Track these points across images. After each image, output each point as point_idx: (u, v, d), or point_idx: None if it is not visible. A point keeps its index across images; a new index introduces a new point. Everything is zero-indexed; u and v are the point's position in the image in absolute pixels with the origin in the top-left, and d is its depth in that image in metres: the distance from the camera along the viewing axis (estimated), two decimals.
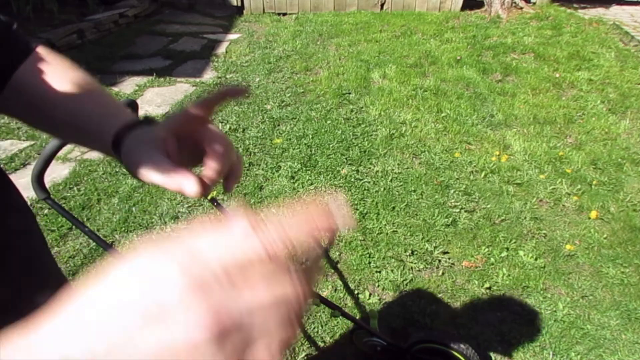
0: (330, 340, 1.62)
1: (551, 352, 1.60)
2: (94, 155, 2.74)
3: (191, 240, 0.22)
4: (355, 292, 1.83)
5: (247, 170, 2.59)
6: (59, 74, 0.52)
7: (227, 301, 0.21)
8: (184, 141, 0.43)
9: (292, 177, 2.51)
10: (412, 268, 1.94)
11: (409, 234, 2.12)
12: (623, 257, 2.01)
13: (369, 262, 1.95)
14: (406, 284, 1.85)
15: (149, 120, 0.48)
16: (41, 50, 0.52)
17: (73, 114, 0.49)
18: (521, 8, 5.36)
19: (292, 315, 0.25)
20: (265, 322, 0.23)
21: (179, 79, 3.83)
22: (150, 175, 0.41)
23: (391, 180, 2.49)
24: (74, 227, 2.10)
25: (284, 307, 0.24)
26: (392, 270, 1.91)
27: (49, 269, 0.53)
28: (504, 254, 2.01)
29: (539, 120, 3.15)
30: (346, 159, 2.67)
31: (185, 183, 0.39)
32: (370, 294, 1.81)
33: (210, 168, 0.42)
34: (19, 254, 0.46)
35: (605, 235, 2.14)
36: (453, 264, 1.97)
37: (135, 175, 0.44)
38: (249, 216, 0.24)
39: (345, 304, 1.78)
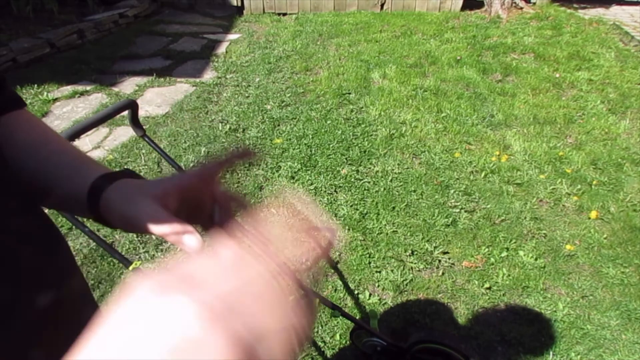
0: (330, 340, 1.62)
1: (551, 352, 1.60)
2: (94, 155, 2.74)
3: (192, 272, 0.24)
4: (355, 292, 1.83)
5: (247, 170, 2.59)
6: (43, 128, 0.52)
7: (242, 328, 0.23)
8: (185, 201, 0.43)
9: (292, 177, 2.51)
10: (412, 268, 1.94)
11: (409, 234, 2.12)
12: (623, 257, 2.01)
13: (369, 262, 1.95)
14: (406, 284, 1.85)
15: (130, 173, 0.47)
16: (27, 110, 0.53)
17: (44, 162, 0.48)
18: (521, 8, 5.36)
19: (294, 343, 0.26)
20: (271, 349, 0.24)
21: (179, 79, 3.84)
22: (146, 225, 0.40)
23: (391, 180, 2.49)
24: (74, 227, 2.10)
25: (288, 335, 0.25)
26: (392, 270, 1.91)
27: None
28: (504, 254, 2.01)
29: (539, 120, 3.15)
30: (346, 159, 2.67)
31: (186, 236, 0.38)
32: (370, 294, 1.81)
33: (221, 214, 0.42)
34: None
35: (605, 235, 2.14)
36: (453, 264, 1.97)
37: (119, 226, 0.43)
38: (233, 242, 0.25)
39: (345, 304, 1.78)
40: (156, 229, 0.39)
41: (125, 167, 2.59)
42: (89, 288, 0.59)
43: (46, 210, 0.56)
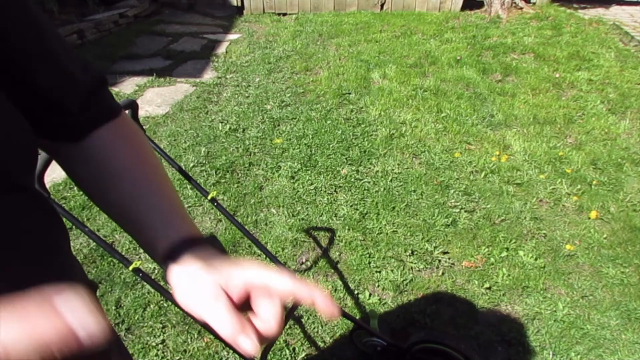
0: (330, 340, 1.62)
1: (551, 352, 1.60)
2: None
3: None
4: (355, 292, 1.83)
5: (247, 170, 2.59)
6: (134, 152, 0.51)
7: None
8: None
9: (292, 177, 2.51)
10: (412, 268, 1.94)
11: (409, 234, 2.12)
12: (623, 257, 2.01)
13: (369, 262, 1.95)
14: (406, 284, 1.85)
15: (212, 240, 0.47)
16: (124, 118, 0.52)
17: (132, 199, 0.48)
18: (521, 8, 5.36)
19: None
20: None
21: (179, 79, 3.84)
22: (202, 311, 0.38)
23: (391, 180, 2.49)
24: (74, 227, 2.10)
25: None
26: (392, 270, 1.91)
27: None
28: (504, 254, 2.01)
29: (539, 120, 3.15)
30: (346, 159, 2.67)
31: (242, 338, 0.35)
32: (370, 294, 1.81)
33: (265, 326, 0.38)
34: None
35: (605, 235, 2.14)
36: (453, 264, 1.97)
37: (175, 299, 0.42)
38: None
39: (345, 304, 1.78)
40: (212, 319, 0.37)
41: None
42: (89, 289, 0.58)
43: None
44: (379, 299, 1.79)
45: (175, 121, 3.14)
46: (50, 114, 0.47)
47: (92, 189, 0.52)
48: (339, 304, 1.75)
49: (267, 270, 0.39)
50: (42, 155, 0.86)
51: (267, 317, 0.38)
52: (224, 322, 0.36)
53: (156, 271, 1.90)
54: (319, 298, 0.37)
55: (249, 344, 0.35)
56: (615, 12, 5.69)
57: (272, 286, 0.38)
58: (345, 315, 1.30)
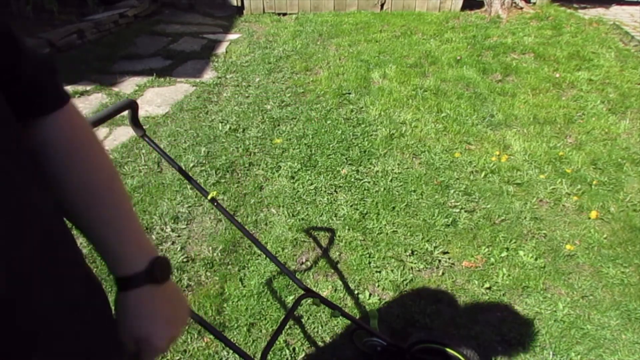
0: (330, 340, 1.62)
1: (551, 352, 1.60)
2: None
3: None
4: (355, 292, 1.83)
5: (247, 170, 2.59)
6: (86, 158, 0.55)
7: None
8: None
9: (292, 177, 2.51)
10: (412, 268, 1.94)
11: (409, 234, 2.12)
12: (623, 257, 2.01)
13: (369, 262, 1.95)
14: (406, 284, 1.85)
15: (154, 276, 0.56)
16: (70, 110, 0.54)
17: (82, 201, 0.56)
18: (521, 8, 5.35)
19: None
20: None
21: (179, 79, 3.84)
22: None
23: (391, 180, 2.49)
24: (73, 227, 2.10)
25: None
26: (392, 270, 1.91)
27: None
28: (504, 254, 2.01)
29: (539, 120, 3.15)
30: (346, 159, 2.68)
31: None
32: (370, 294, 1.81)
33: None
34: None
35: (605, 235, 2.14)
36: (453, 264, 1.97)
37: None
38: None
39: (345, 304, 1.78)
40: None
41: (126, 167, 2.59)
42: (97, 290, 0.58)
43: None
44: (379, 299, 1.79)
45: (175, 121, 3.14)
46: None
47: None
48: (339, 304, 1.75)
49: None
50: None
51: None
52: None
53: None
54: None
55: None
56: (615, 12, 5.69)
57: None
58: (345, 315, 1.30)
